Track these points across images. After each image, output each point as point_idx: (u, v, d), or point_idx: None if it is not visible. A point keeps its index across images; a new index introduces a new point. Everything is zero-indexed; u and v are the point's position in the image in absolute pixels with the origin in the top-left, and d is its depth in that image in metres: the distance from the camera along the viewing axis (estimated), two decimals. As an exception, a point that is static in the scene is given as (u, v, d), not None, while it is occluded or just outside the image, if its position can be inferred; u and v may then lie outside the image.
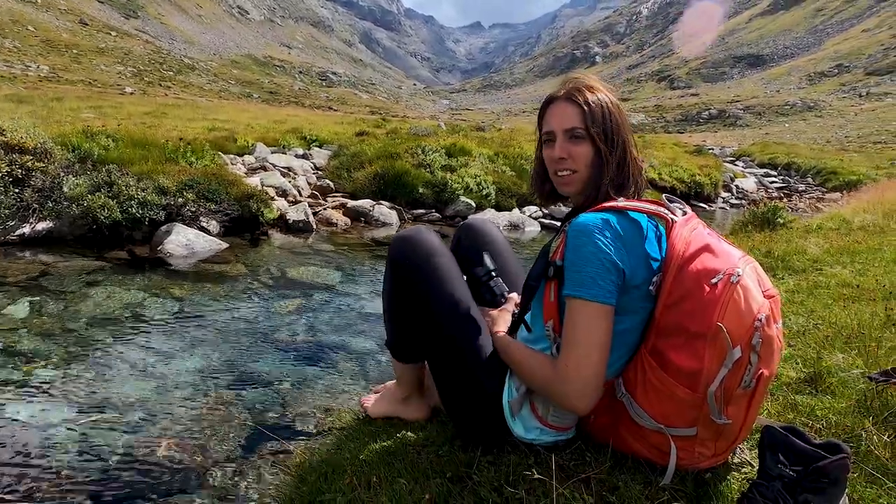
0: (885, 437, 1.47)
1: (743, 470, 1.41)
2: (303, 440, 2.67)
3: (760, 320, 1.22)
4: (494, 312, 1.61)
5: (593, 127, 1.43)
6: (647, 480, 1.34)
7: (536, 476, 1.26)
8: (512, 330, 1.58)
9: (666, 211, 1.38)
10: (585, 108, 1.43)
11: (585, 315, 1.27)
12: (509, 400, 1.49)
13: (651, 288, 1.32)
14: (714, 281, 1.24)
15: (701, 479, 1.35)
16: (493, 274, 1.61)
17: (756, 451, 1.50)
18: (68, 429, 2.72)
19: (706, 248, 1.30)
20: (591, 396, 1.28)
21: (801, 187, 20.05)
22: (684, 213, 1.44)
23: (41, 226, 6.04)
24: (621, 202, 1.36)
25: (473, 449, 1.52)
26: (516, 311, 1.62)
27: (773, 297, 1.31)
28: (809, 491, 1.04)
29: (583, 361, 1.26)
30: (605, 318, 1.27)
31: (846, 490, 1.10)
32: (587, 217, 1.31)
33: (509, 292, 1.66)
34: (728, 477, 1.37)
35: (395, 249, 1.68)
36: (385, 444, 1.64)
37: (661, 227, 1.37)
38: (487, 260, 1.63)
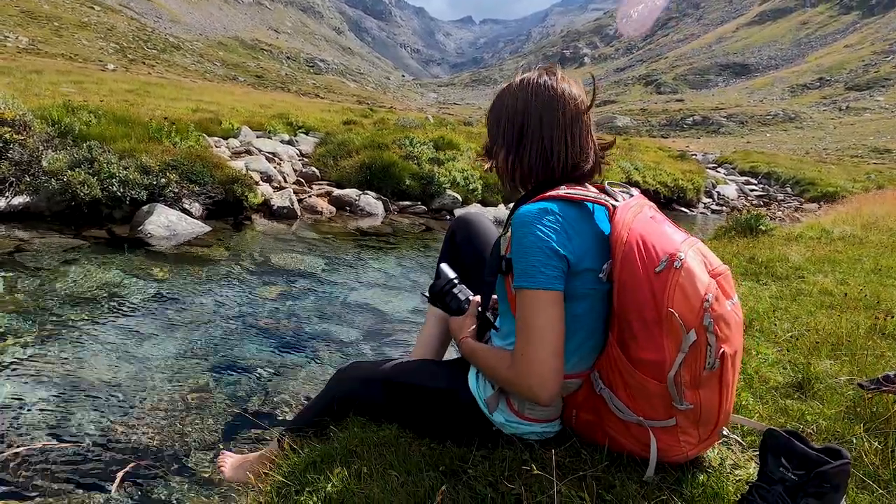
0: (875, 444, 1.49)
1: (736, 472, 1.41)
2: (284, 428, 2.63)
3: (708, 300, 1.22)
4: (459, 319, 1.60)
5: (488, 127, 1.54)
6: (643, 479, 1.33)
7: (536, 472, 1.24)
8: (481, 332, 1.58)
9: (606, 198, 1.37)
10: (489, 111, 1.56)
11: (534, 304, 1.26)
12: (485, 397, 1.48)
13: (601, 276, 1.32)
14: (658, 269, 1.24)
15: (697, 481, 1.35)
16: (456, 282, 1.60)
17: (749, 453, 1.51)
18: (41, 409, 2.64)
19: (648, 234, 1.29)
20: (552, 383, 1.26)
21: (780, 196, 20.37)
22: (631, 196, 1.44)
23: (17, 200, 5.87)
24: (562, 190, 1.34)
25: (468, 443, 1.50)
26: (486, 313, 1.62)
27: (722, 273, 1.31)
28: (811, 495, 1.04)
29: (538, 350, 1.25)
30: (554, 304, 1.26)
31: (845, 496, 1.11)
32: (526, 207, 1.32)
33: (474, 295, 1.66)
34: (724, 478, 1.37)
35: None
36: (376, 434, 1.61)
37: (605, 213, 1.37)
38: (447, 270, 1.62)
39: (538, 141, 1.41)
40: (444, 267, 1.63)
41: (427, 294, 1.64)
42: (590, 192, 1.38)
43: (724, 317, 1.25)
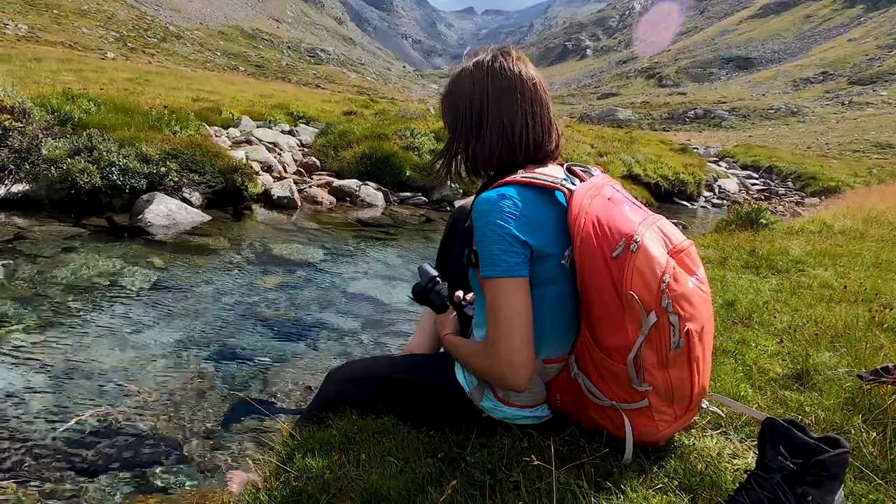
0: (873, 434, 1.49)
1: (735, 461, 1.41)
2: (283, 416, 2.64)
3: (665, 281, 1.22)
4: (441, 316, 1.62)
5: (444, 115, 1.54)
6: (641, 468, 1.33)
7: (536, 462, 1.24)
8: (465, 326, 1.59)
9: (563, 182, 1.35)
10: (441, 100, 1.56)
11: (499, 291, 1.26)
12: (469, 389, 1.49)
13: (564, 262, 1.32)
14: (615, 254, 1.24)
15: (695, 469, 1.35)
16: (438, 280, 1.60)
17: (748, 443, 1.51)
18: (42, 395, 2.65)
19: (604, 217, 1.28)
20: (523, 368, 1.27)
21: (782, 190, 20.33)
22: (592, 176, 1.43)
23: (17, 188, 5.85)
24: (520, 175, 1.34)
25: (466, 431, 1.51)
26: (465, 305, 1.63)
27: (684, 250, 1.31)
28: (809, 484, 1.04)
29: (506, 336, 1.25)
30: (519, 289, 1.26)
31: (842, 485, 1.11)
32: (484, 195, 1.32)
33: (456, 291, 1.67)
34: (722, 467, 1.38)
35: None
36: (374, 422, 1.62)
37: (563, 198, 1.35)
38: (428, 269, 1.62)
39: (498, 124, 1.40)
40: (426, 266, 1.63)
41: (411, 294, 1.64)
42: (548, 175, 1.36)
43: (685, 295, 1.25)
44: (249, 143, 9.74)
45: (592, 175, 1.44)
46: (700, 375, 1.32)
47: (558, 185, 1.33)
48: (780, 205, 16.08)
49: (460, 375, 1.52)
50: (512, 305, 1.25)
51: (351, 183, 9.03)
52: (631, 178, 13.43)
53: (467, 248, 1.40)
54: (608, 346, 1.29)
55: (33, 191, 5.95)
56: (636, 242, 1.23)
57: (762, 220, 6.32)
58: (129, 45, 55.18)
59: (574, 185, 1.36)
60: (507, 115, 1.39)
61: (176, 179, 6.68)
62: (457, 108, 1.47)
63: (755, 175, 23.54)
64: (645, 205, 1.46)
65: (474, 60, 1.46)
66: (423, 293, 1.58)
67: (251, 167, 7.88)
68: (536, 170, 1.38)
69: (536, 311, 1.30)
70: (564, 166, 1.47)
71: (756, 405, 1.72)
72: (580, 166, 1.47)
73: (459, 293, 1.68)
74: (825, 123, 53.62)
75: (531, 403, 1.48)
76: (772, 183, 22.13)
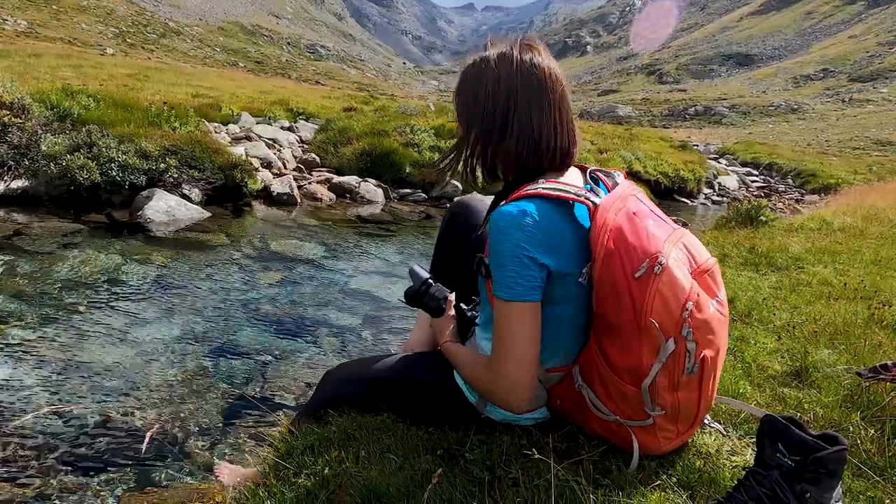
0: (871, 432, 1.50)
1: (733, 458, 1.41)
2: (283, 413, 2.64)
3: (688, 309, 1.17)
4: (438, 321, 1.56)
5: (459, 109, 1.39)
6: (640, 465, 1.34)
7: (535, 456, 1.25)
8: (464, 328, 1.56)
9: (588, 194, 1.27)
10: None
11: (509, 315, 1.21)
12: (473, 402, 1.47)
13: (581, 280, 1.26)
14: (638, 274, 1.18)
15: (694, 466, 1.35)
16: (431, 282, 1.54)
17: (746, 440, 1.51)
18: (41, 392, 2.65)
19: (629, 235, 1.21)
20: (524, 394, 1.24)
21: (782, 188, 20.31)
22: (616, 184, 1.35)
23: (16, 184, 5.85)
24: (542, 185, 1.24)
25: (465, 428, 1.51)
26: (464, 308, 1.58)
27: (708, 270, 1.26)
28: (807, 481, 1.04)
29: (511, 360, 1.21)
30: (529, 315, 1.21)
31: (840, 482, 1.11)
32: (504, 209, 1.22)
33: (451, 292, 1.62)
34: (720, 464, 1.38)
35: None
36: (374, 419, 1.62)
37: (586, 211, 1.27)
38: (420, 271, 1.56)
39: (527, 127, 1.27)
40: (417, 268, 1.57)
41: (403, 299, 1.57)
42: (570, 185, 1.27)
43: (706, 322, 1.21)
44: (249, 139, 9.73)
45: (617, 182, 1.36)
46: (707, 396, 1.30)
47: (581, 199, 1.25)
48: (779, 202, 16.07)
49: (459, 378, 1.51)
50: (521, 328, 1.21)
51: (351, 179, 9.02)
52: (631, 175, 13.33)
53: (478, 255, 1.33)
54: (619, 365, 1.25)
55: (33, 187, 5.95)
56: (660, 265, 1.16)
57: (762, 218, 6.32)
58: (128, 41, 55.07)
59: (598, 196, 1.29)
60: (538, 119, 1.26)
61: (175, 176, 6.68)
62: (476, 104, 1.32)
63: (755, 172, 23.52)
64: None
65: (498, 52, 1.30)
66: (416, 297, 1.51)
67: (251, 163, 7.87)
68: (558, 179, 1.29)
69: (550, 329, 1.26)
70: (587, 171, 1.38)
71: (755, 402, 1.72)
72: (603, 171, 1.39)
73: (452, 296, 1.62)
74: (825, 120, 53.52)
75: (531, 408, 1.47)
76: (772, 180, 22.12)
